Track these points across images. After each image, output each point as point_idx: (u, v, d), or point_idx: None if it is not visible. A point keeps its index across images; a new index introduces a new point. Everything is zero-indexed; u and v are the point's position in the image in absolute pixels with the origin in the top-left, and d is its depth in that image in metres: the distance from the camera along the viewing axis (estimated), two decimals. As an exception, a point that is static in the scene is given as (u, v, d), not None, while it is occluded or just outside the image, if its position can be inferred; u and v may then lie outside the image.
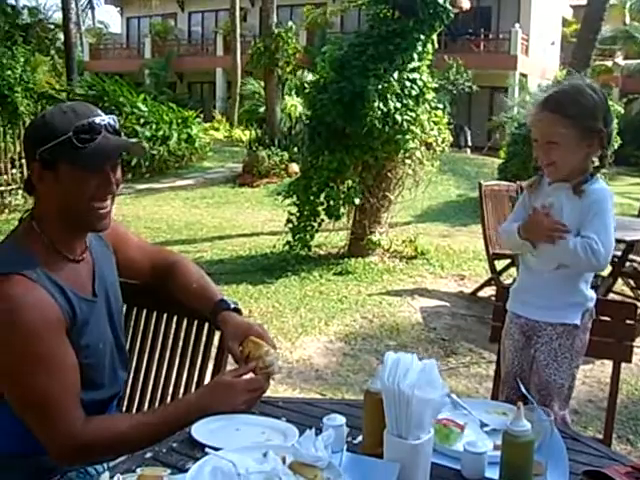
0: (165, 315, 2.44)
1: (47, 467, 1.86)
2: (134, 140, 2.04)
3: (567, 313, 2.50)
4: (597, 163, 2.50)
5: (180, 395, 2.36)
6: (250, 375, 1.98)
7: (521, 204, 2.70)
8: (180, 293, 2.24)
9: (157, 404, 2.38)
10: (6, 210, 11.16)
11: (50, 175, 1.81)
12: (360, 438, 1.76)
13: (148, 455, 1.71)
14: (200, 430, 1.80)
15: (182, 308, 2.34)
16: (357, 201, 7.70)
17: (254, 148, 16.29)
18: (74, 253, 1.92)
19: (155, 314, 2.45)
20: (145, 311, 2.47)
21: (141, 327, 2.46)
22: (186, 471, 1.56)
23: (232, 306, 2.15)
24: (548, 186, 2.54)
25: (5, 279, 1.74)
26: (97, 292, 1.98)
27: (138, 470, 1.58)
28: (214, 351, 2.37)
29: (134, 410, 2.39)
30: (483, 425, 1.89)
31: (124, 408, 2.33)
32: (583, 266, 2.45)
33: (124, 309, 2.28)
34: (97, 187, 1.85)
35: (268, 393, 2.03)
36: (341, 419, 1.74)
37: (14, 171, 11.45)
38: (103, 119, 1.85)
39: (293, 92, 18.32)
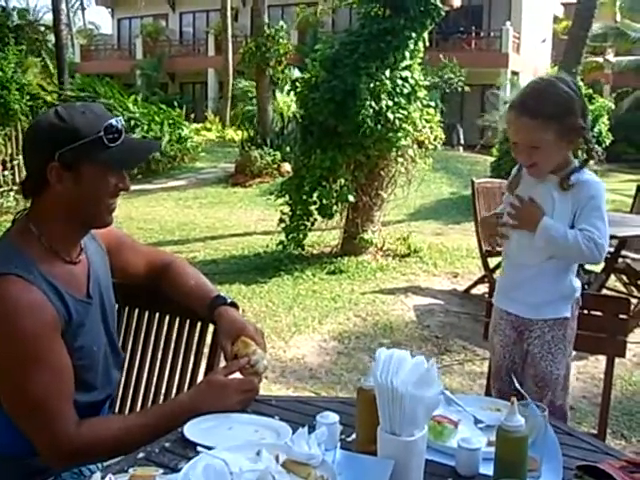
0: (157, 314, 2.43)
1: (40, 468, 1.85)
2: (152, 140, 2.08)
3: (558, 308, 2.49)
4: (585, 157, 2.48)
5: (173, 394, 2.35)
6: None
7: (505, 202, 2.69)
8: (176, 292, 2.23)
9: (150, 404, 2.37)
10: (-2, 212, 11.11)
11: (70, 175, 1.80)
12: (354, 436, 1.76)
13: (140, 455, 1.70)
14: (192, 429, 1.79)
15: (175, 307, 2.34)
16: (351, 198, 7.69)
17: (246, 148, 16.27)
18: (70, 255, 1.91)
19: (147, 313, 2.44)
20: (137, 310, 2.46)
21: (133, 327, 2.45)
22: (179, 471, 1.55)
23: (229, 301, 2.15)
24: (530, 177, 2.50)
25: (1, 280, 1.73)
26: (92, 294, 1.96)
27: (130, 470, 1.57)
28: (207, 350, 2.36)
29: (127, 410, 2.37)
30: (477, 421, 1.88)
31: (117, 408, 2.32)
32: (584, 258, 2.45)
33: (116, 309, 2.27)
34: (115, 185, 1.87)
35: (262, 392, 2.02)
36: (334, 417, 1.73)
37: (6, 173, 11.39)
38: (119, 120, 1.87)
39: (285, 91, 18.29)
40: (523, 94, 2.46)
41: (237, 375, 1.99)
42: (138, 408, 2.38)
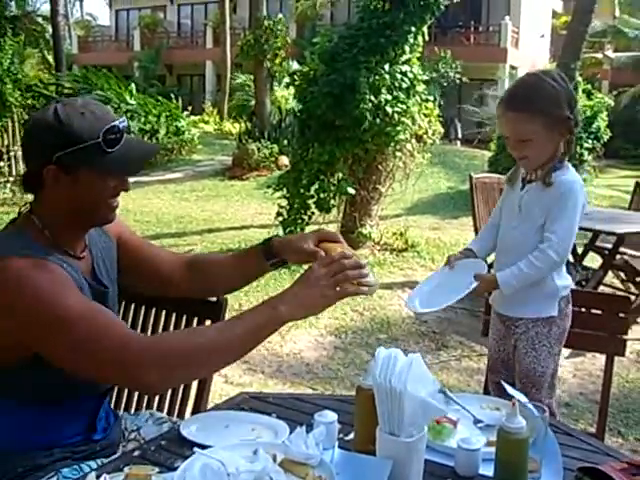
0: (164, 312, 2.43)
1: (42, 464, 1.81)
2: (153, 143, 1.99)
3: (542, 307, 2.54)
4: (563, 150, 2.51)
5: (169, 392, 2.34)
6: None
7: (499, 202, 2.78)
8: (220, 268, 2.14)
9: (144, 408, 2.33)
10: (-6, 203, 11.07)
11: (67, 178, 1.75)
12: (352, 435, 1.74)
13: (136, 453, 1.69)
14: (189, 427, 1.77)
15: (177, 305, 2.35)
16: (350, 190, 7.66)
17: (244, 141, 16.25)
18: (75, 249, 1.87)
19: (154, 311, 2.44)
20: (143, 308, 2.45)
21: (139, 325, 2.43)
22: (175, 469, 1.54)
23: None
24: (521, 182, 2.58)
25: (6, 258, 1.67)
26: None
27: (126, 469, 1.55)
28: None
29: (122, 406, 2.35)
30: (477, 421, 1.87)
31: (112, 404, 2.30)
32: (550, 272, 2.50)
33: (122, 306, 2.25)
34: (115, 187, 1.83)
35: (257, 388, 2.00)
36: (332, 415, 1.71)
37: (1, 164, 11.36)
38: (122, 120, 1.81)
39: (282, 84, 18.26)
40: (511, 89, 2.55)
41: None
42: (145, 402, 2.37)
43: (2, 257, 1.68)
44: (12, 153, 11.49)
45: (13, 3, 29.10)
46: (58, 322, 1.63)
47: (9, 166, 11.44)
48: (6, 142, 11.45)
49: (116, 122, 1.79)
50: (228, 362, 1.72)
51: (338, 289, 1.73)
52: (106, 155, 1.76)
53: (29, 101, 14.60)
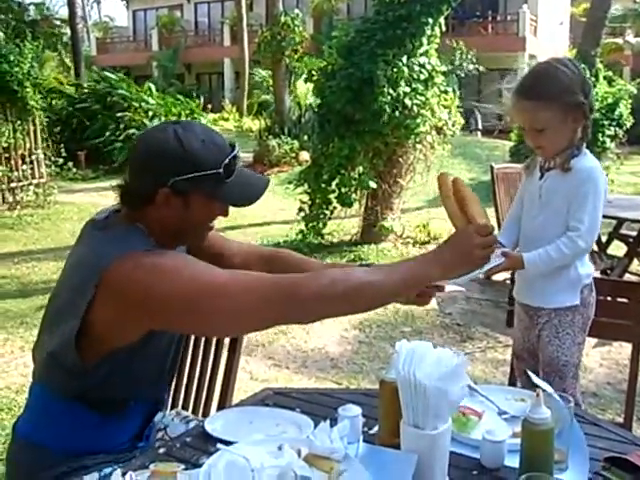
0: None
1: (86, 465, 1.82)
2: (262, 175, 2.00)
3: (564, 296, 2.55)
4: (580, 135, 2.50)
5: (194, 390, 2.36)
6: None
7: (518, 192, 2.77)
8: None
9: (169, 408, 2.34)
10: (18, 206, 11.13)
11: (178, 200, 1.75)
12: (376, 428, 1.74)
13: (161, 450, 1.70)
14: (213, 424, 1.78)
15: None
16: (372, 184, 7.65)
17: (264, 137, 16.26)
18: None
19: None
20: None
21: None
22: (200, 466, 1.54)
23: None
24: (539, 171, 2.58)
25: (134, 254, 1.67)
26: None
27: (151, 466, 1.56)
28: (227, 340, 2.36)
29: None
30: (501, 412, 1.86)
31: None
32: (575, 259, 2.51)
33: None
34: (218, 213, 1.85)
35: (282, 383, 2.00)
36: (357, 409, 1.72)
37: (24, 167, 11.44)
38: (237, 150, 1.82)
39: (302, 79, 18.25)
40: (523, 79, 2.54)
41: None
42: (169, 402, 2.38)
43: (131, 253, 1.67)
44: (34, 156, 11.55)
45: (32, 7, 29.45)
46: (214, 290, 1.63)
47: (32, 169, 11.51)
48: (28, 145, 11.52)
49: (234, 152, 1.80)
50: (369, 308, 1.73)
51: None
52: (223, 184, 1.77)
53: (53, 102, 14.75)
